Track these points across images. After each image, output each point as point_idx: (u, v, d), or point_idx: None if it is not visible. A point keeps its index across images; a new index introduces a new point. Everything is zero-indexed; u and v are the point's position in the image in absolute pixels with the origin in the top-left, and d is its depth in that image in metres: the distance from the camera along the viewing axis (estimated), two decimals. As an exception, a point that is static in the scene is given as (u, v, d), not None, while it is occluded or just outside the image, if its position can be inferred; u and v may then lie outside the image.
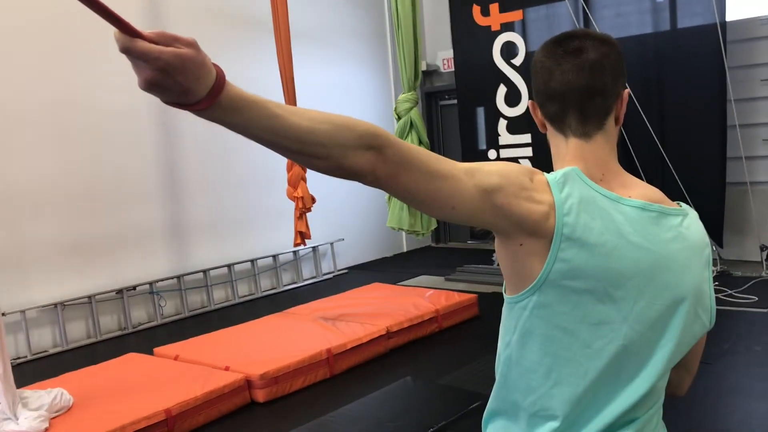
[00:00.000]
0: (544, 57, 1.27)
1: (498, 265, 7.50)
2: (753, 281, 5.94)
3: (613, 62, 1.24)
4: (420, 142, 6.25)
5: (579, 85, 1.23)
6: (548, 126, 1.31)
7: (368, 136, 1.04)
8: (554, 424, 1.21)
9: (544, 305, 1.18)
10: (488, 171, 1.13)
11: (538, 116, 1.33)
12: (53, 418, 3.75)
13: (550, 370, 1.20)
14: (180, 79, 0.88)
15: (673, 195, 1.34)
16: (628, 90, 1.29)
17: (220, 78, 0.92)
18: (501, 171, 1.14)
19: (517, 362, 1.24)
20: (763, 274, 6.10)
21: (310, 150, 1.01)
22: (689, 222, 1.27)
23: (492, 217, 1.14)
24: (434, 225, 6.50)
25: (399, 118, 6.42)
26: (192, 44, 0.89)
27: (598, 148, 1.26)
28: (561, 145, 1.29)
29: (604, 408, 1.21)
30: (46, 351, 5.64)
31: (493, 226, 1.17)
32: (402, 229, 6.33)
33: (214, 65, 0.93)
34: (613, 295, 1.18)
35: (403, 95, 6.41)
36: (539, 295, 1.17)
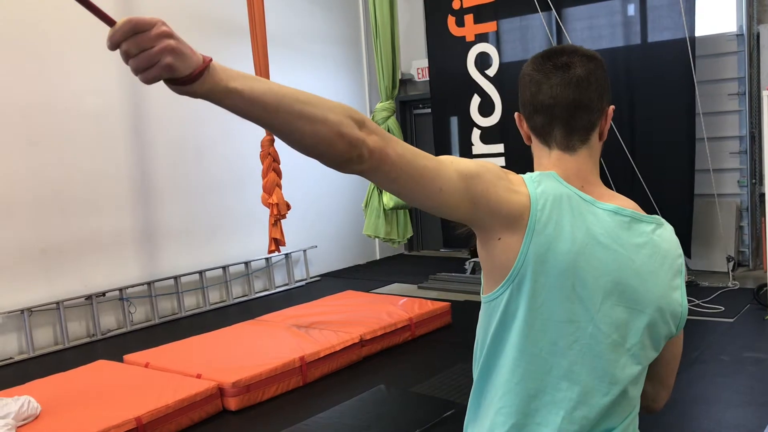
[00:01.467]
0: (532, 70, 1.29)
1: (471, 273, 7.49)
2: (719, 291, 6.04)
3: (599, 78, 1.28)
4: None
5: (566, 99, 1.26)
6: (533, 138, 1.34)
7: (349, 109, 1.05)
8: (512, 420, 1.23)
9: (516, 301, 1.20)
10: (467, 161, 1.18)
11: (524, 128, 1.35)
12: (20, 426, 3.68)
13: (516, 365, 1.22)
14: (178, 38, 0.91)
15: (643, 205, 1.38)
16: (612, 106, 1.32)
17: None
18: (479, 162, 1.19)
19: (492, 362, 1.26)
20: (730, 284, 6.21)
21: (309, 111, 1.00)
22: (662, 231, 1.30)
23: (473, 208, 1.16)
24: (410, 233, 6.52)
25: (375, 126, 6.42)
26: None
27: (581, 162, 1.29)
28: (544, 157, 1.32)
29: (573, 411, 1.22)
30: (11, 358, 5.53)
31: (473, 219, 1.18)
32: (378, 237, 6.33)
33: None
34: (580, 293, 1.21)
35: (381, 104, 6.41)
36: (513, 289, 1.20)
